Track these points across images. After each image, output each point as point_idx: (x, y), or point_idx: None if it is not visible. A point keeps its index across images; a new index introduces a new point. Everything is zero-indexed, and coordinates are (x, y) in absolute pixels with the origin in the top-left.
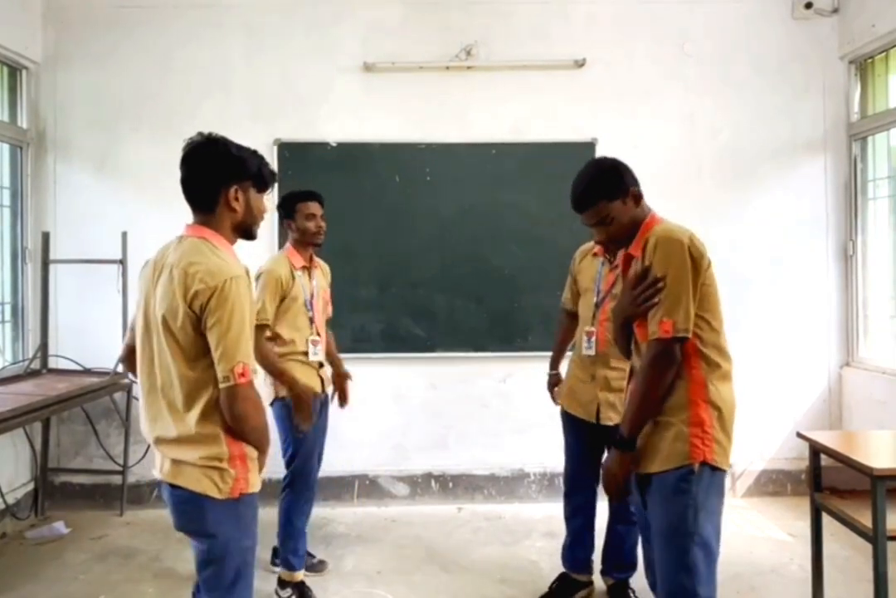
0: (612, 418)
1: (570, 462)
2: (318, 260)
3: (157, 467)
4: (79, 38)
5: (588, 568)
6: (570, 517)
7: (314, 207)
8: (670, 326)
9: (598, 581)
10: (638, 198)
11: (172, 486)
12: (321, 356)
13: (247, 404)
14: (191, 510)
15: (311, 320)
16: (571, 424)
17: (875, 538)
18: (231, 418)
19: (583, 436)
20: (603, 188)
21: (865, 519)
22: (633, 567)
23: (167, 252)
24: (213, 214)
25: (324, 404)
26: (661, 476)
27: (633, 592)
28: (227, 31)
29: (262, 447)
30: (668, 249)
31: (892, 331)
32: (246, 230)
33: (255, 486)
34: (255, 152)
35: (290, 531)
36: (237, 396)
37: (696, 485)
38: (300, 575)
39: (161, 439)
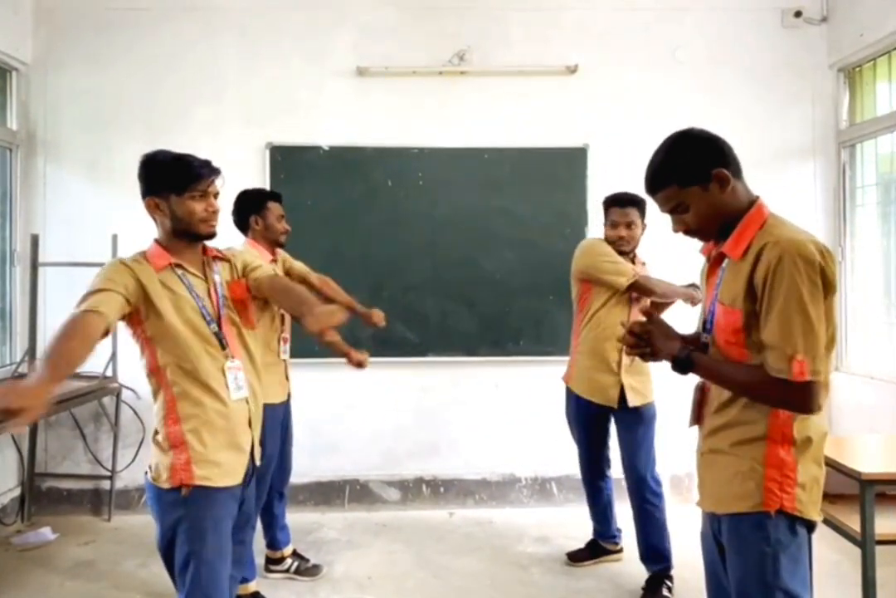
0: (637, 400)
1: (585, 449)
2: (280, 251)
3: None
4: (70, 40)
5: (614, 538)
6: (592, 499)
7: (281, 209)
8: (806, 367)
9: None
10: (725, 181)
11: None
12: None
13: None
14: None
15: (282, 317)
16: (587, 410)
17: (863, 542)
18: None
19: (600, 422)
20: (677, 170)
21: (854, 523)
22: (664, 560)
23: None
24: (156, 224)
25: (287, 412)
26: (733, 518)
27: (669, 584)
28: (219, 34)
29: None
30: (797, 267)
31: (881, 336)
32: (185, 232)
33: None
34: (175, 159)
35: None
36: None
37: (774, 532)
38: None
39: None
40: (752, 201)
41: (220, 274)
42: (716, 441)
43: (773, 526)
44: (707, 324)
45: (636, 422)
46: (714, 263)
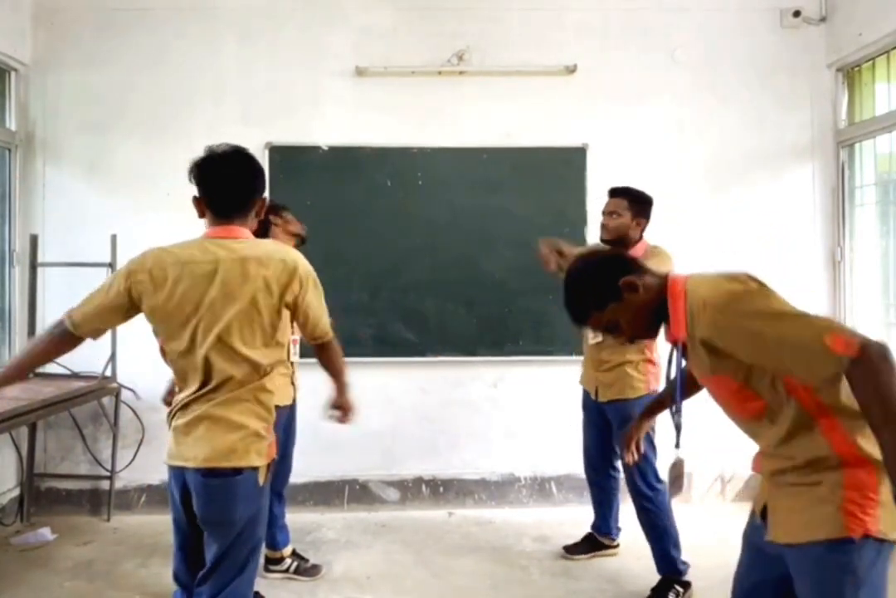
0: (606, 395)
1: (583, 438)
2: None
3: None
4: (69, 41)
5: (610, 534)
6: (590, 491)
7: (289, 217)
8: (840, 338)
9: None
10: (634, 286)
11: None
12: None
13: None
14: None
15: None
16: (585, 399)
17: None
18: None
19: (593, 412)
20: (587, 300)
21: None
22: (668, 564)
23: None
24: (245, 219)
25: (292, 414)
26: (805, 548)
27: (679, 589)
28: (218, 35)
29: None
30: (734, 300)
31: (880, 337)
32: (254, 233)
33: None
34: None
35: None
36: None
37: (857, 558)
38: None
39: None
40: (664, 281)
41: None
42: (785, 478)
43: (857, 552)
44: (677, 406)
45: (615, 418)
46: (684, 350)
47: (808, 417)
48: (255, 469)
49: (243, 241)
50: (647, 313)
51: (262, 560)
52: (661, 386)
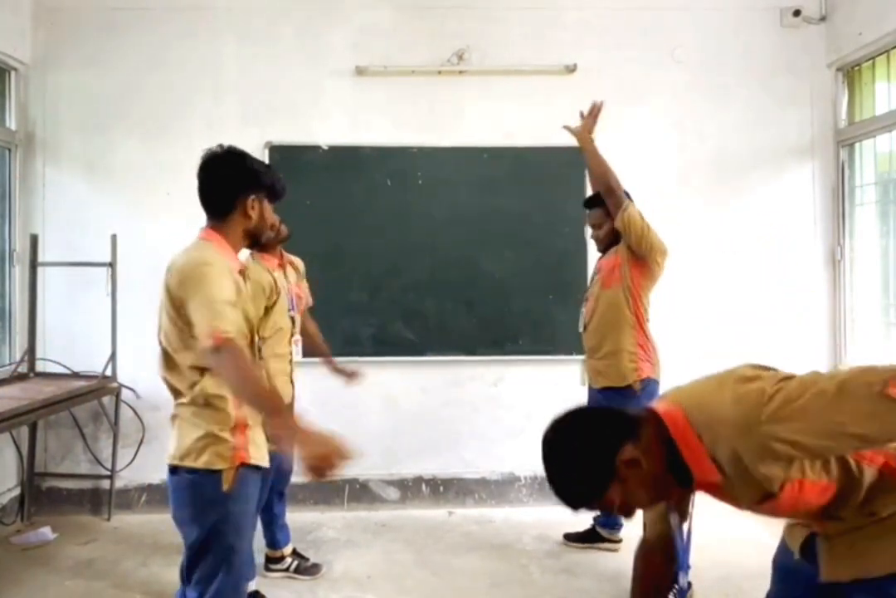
0: (599, 383)
1: None
2: (293, 261)
3: None
4: (69, 40)
5: (611, 528)
6: None
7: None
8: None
9: None
10: (634, 461)
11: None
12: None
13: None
14: None
15: (292, 319)
16: (589, 388)
17: None
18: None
19: (593, 401)
20: (581, 494)
21: None
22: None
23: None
24: (226, 220)
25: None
26: (881, 582)
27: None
28: (218, 34)
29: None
30: (781, 412)
31: (880, 336)
32: (255, 237)
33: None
34: (268, 167)
35: None
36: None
37: None
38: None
39: None
40: (666, 432)
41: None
42: (864, 532)
43: None
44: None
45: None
46: (716, 494)
47: (886, 476)
48: (215, 473)
49: (195, 243)
50: (656, 481)
51: (262, 560)
52: (655, 373)
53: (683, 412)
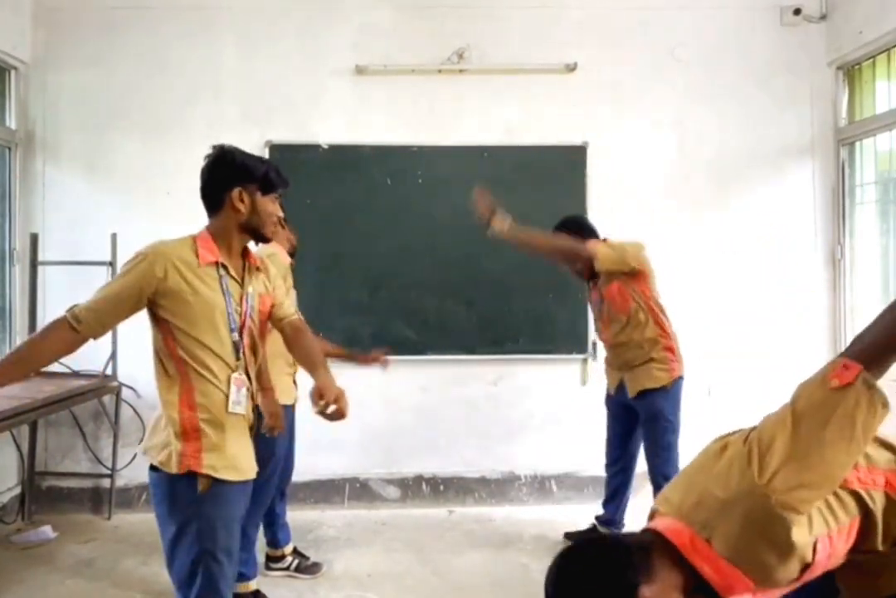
0: (635, 389)
1: (607, 430)
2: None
3: None
4: (69, 39)
5: (615, 525)
6: (609, 479)
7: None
8: (839, 370)
9: None
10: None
11: None
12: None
13: None
14: None
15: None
16: (606, 397)
17: None
18: None
19: (614, 406)
20: None
21: None
22: None
23: None
24: (217, 215)
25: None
26: None
27: None
28: (218, 33)
29: None
30: (783, 479)
31: None
32: (253, 231)
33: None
34: (262, 159)
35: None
36: None
37: None
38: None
39: None
40: (677, 553)
41: (253, 285)
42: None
43: None
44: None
45: (644, 410)
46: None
47: (892, 498)
48: (167, 474)
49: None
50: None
51: (262, 559)
52: (682, 368)
53: (684, 523)
